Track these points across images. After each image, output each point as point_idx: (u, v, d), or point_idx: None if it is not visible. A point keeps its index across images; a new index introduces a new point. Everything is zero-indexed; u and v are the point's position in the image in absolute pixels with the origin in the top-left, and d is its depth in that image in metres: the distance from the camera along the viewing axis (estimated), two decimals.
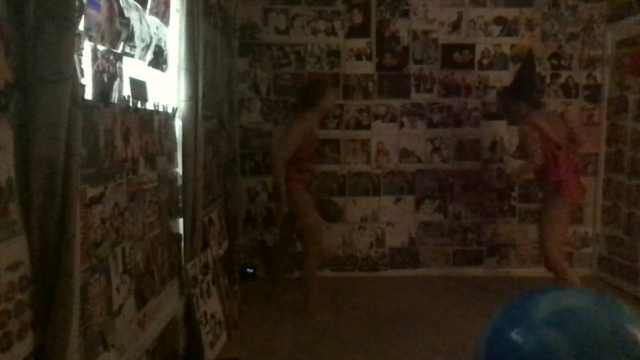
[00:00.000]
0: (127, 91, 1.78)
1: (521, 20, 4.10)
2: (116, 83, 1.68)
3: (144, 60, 1.99)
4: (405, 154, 4.19)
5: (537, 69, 3.92)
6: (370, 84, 4.11)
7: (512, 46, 4.11)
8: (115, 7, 1.65)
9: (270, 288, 3.69)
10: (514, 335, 0.94)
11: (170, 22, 2.29)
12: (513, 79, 3.57)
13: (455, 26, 4.10)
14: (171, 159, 2.33)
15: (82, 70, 1.39)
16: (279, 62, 4.07)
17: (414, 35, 4.10)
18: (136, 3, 1.85)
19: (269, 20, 4.03)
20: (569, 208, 3.32)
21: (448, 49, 4.11)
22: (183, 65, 2.31)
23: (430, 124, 4.17)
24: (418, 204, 4.23)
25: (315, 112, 3.31)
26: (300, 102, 3.39)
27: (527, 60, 3.58)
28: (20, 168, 1.12)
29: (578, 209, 4.24)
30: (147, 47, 1.99)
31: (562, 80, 4.15)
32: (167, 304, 2.23)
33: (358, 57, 4.10)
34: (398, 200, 4.22)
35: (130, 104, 1.81)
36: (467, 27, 4.10)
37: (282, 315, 3.32)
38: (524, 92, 3.35)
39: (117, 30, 1.67)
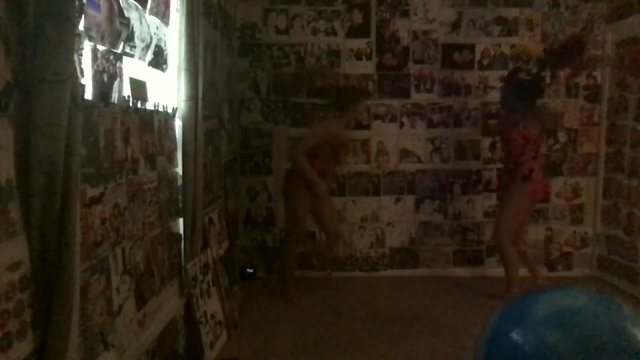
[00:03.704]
0: (127, 91, 1.78)
1: (521, 20, 4.10)
2: (116, 83, 1.68)
3: (144, 60, 1.99)
4: (405, 154, 4.19)
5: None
6: (370, 84, 4.11)
7: (512, 46, 4.11)
8: (115, 7, 1.65)
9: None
10: (514, 336, 0.93)
11: (170, 22, 2.29)
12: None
13: (455, 26, 4.10)
14: (171, 159, 2.33)
15: (82, 70, 1.39)
16: (279, 62, 4.06)
17: (414, 35, 4.10)
18: (136, 3, 1.85)
19: (269, 20, 4.03)
20: (531, 202, 3.52)
21: (448, 49, 4.11)
22: (183, 65, 2.31)
23: (430, 124, 4.17)
24: (418, 204, 4.23)
25: (340, 117, 3.51)
26: (331, 104, 3.61)
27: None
28: (20, 168, 1.12)
29: (578, 209, 4.25)
30: (147, 47, 1.99)
31: (562, 80, 4.15)
32: (167, 304, 2.23)
33: (358, 57, 4.10)
34: (398, 200, 4.22)
35: (130, 104, 1.81)
36: (467, 27, 4.10)
37: (282, 315, 3.33)
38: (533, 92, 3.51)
39: (117, 30, 1.67)
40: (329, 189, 3.64)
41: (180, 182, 2.41)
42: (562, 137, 4.20)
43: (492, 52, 4.12)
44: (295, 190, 3.48)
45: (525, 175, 3.39)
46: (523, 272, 3.67)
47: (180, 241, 2.46)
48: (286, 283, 3.63)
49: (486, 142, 4.19)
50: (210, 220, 2.97)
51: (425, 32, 4.10)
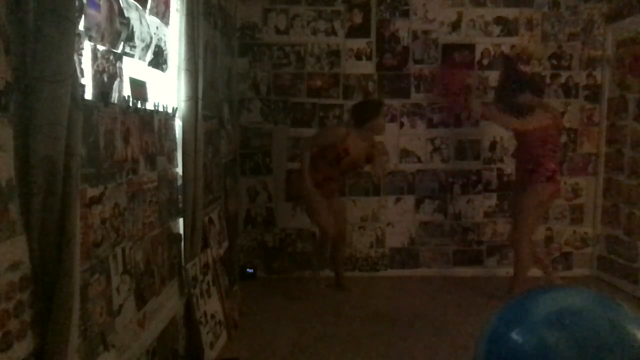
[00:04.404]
0: (127, 91, 1.78)
1: (521, 20, 4.10)
2: (116, 83, 1.68)
3: (144, 60, 1.99)
4: (405, 154, 4.19)
5: (532, 68, 4.07)
6: (370, 84, 4.11)
7: (512, 46, 4.11)
8: (115, 7, 1.65)
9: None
10: (514, 336, 0.94)
11: (170, 22, 2.29)
12: (500, 79, 3.76)
13: (455, 26, 4.10)
14: (171, 159, 2.33)
15: (82, 70, 1.39)
16: (279, 62, 4.06)
17: (414, 35, 4.10)
18: (136, 3, 1.85)
19: (269, 20, 4.03)
20: (551, 201, 3.52)
21: (448, 49, 4.11)
22: (183, 65, 2.31)
23: (430, 124, 4.17)
24: (418, 204, 4.23)
25: (360, 130, 3.48)
26: (351, 117, 3.63)
27: (505, 60, 3.85)
28: (20, 168, 1.12)
29: (578, 209, 4.25)
30: (147, 47, 1.99)
31: (562, 80, 4.15)
32: (167, 304, 2.23)
33: (358, 57, 4.10)
34: (398, 200, 4.22)
35: (130, 104, 1.81)
36: (467, 27, 4.10)
37: (282, 315, 3.33)
38: (522, 85, 3.46)
39: (117, 30, 1.67)
40: (329, 191, 3.60)
41: (180, 182, 2.41)
42: (562, 137, 4.19)
43: (492, 52, 4.12)
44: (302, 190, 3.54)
45: (549, 177, 3.35)
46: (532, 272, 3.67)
47: (180, 241, 2.46)
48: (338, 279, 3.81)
49: (486, 142, 4.19)
50: (210, 220, 2.97)
51: (425, 32, 4.10)
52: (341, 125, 3.72)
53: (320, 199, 3.49)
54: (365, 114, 3.48)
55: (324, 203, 3.52)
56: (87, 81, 1.47)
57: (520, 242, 3.48)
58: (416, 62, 4.12)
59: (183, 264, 2.47)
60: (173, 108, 2.34)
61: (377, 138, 3.73)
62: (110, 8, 1.62)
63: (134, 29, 1.81)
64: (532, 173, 3.41)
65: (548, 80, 4.15)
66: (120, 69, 1.72)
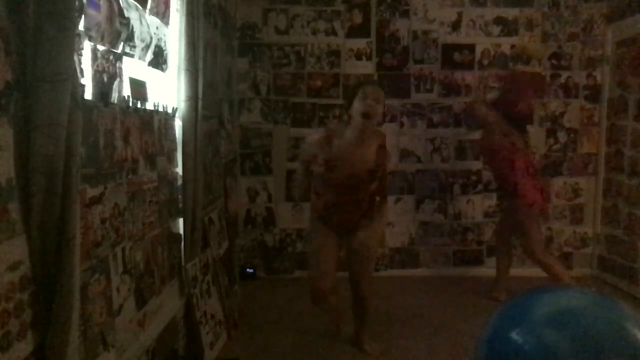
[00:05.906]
0: (127, 91, 1.78)
1: (521, 20, 4.10)
2: (116, 83, 1.68)
3: (144, 60, 1.99)
4: (405, 154, 4.19)
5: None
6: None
7: (512, 46, 4.12)
8: (115, 7, 1.65)
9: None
10: (514, 336, 0.94)
11: (170, 22, 2.29)
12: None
13: (455, 26, 4.10)
14: (171, 159, 2.33)
15: (82, 70, 1.39)
16: (279, 62, 4.06)
17: (414, 35, 4.10)
18: (136, 3, 1.85)
19: (269, 20, 4.03)
20: (533, 211, 3.30)
21: (448, 49, 4.11)
22: (183, 65, 2.31)
23: (430, 124, 4.17)
24: (418, 204, 4.23)
25: (345, 123, 2.56)
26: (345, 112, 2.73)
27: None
28: (20, 168, 1.12)
29: (578, 209, 4.25)
30: (147, 47, 1.99)
31: (562, 80, 4.15)
32: (167, 304, 2.23)
33: (358, 57, 4.10)
34: (398, 200, 4.22)
35: (130, 104, 1.81)
36: (467, 27, 4.10)
37: (282, 315, 3.33)
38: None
39: (117, 30, 1.67)
40: (341, 223, 2.64)
41: (180, 182, 2.41)
42: (562, 137, 4.20)
43: (492, 52, 4.12)
44: (311, 214, 2.78)
45: (513, 192, 3.23)
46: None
47: (180, 241, 2.46)
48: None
49: None
50: (210, 220, 2.97)
51: (425, 32, 4.10)
52: (327, 125, 3.17)
53: (318, 232, 2.70)
54: (349, 96, 2.50)
55: (324, 236, 2.68)
56: (87, 81, 1.47)
57: (539, 259, 3.27)
58: (416, 62, 4.12)
59: (183, 264, 2.47)
60: (173, 108, 2.34)
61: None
62: (110, 8, 1.62)
63: (134, 29, 1.81)
64: (503, 189, 3.33)
65: (548, 80, 4.15)
66: (120, 69, 1.72)
